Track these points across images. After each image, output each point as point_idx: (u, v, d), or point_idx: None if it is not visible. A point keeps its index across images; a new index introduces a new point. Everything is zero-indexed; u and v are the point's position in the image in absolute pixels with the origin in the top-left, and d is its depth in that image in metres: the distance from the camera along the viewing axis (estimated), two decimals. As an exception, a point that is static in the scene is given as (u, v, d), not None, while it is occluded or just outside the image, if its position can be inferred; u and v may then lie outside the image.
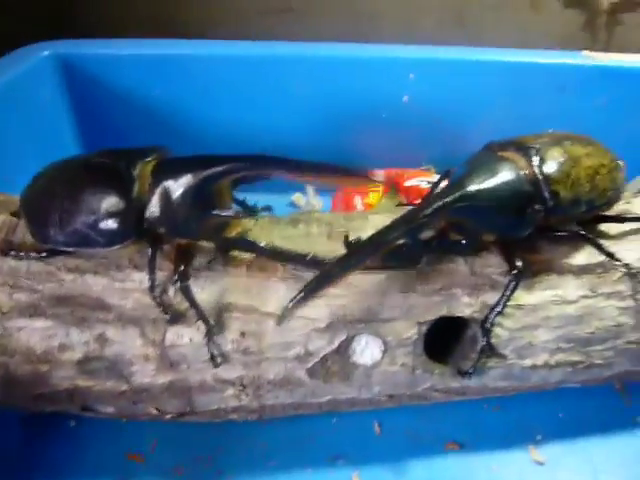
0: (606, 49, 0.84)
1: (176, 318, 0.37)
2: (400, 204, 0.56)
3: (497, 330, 0.40)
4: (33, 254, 0.38)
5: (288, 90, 0.66)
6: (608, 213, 0.42)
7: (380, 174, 0.63)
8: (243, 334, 0.38)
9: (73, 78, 0.64)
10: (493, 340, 0.40)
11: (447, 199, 0.36)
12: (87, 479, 0.43)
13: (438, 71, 0.64)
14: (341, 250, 0.37)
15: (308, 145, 0.65)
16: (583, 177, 0.39)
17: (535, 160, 0.39)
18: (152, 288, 0.37)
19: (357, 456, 0.44)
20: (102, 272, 0.38)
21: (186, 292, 0.37)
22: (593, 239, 0.40)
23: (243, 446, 0.44)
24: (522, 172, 0.38)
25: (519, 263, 0.38)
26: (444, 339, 0.42)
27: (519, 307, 0.40)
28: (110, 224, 0.36)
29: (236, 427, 0.43)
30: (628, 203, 0.44)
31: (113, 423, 0.44)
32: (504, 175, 0.38)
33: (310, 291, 0.34)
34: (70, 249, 0.38)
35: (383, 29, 0.83)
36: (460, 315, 0.39)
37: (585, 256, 0.41)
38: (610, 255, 0.40)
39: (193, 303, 0.37)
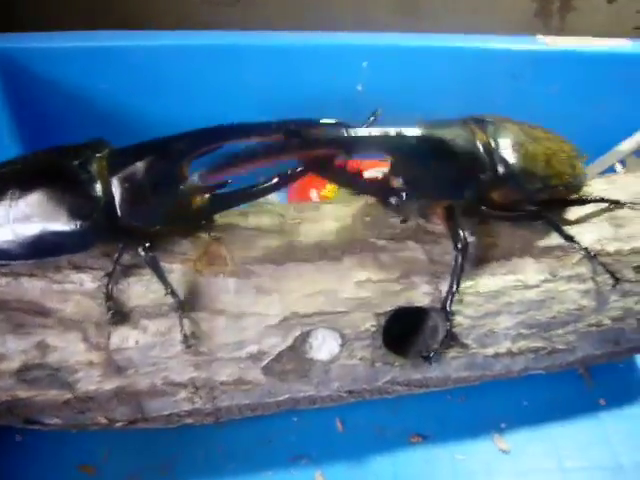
0: (559, 34, 0.84)
1: (121, 319, 0.35)
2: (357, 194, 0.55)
3: (458, 319, 0.39)
4: None
5: (238, 80, 0.64)
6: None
7: None
8: (193, 334, 0.36)
9: (10, 73, 0.61)
10: (455, 329, 0.39)
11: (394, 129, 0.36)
12: (36, 494, 0.40)
13: (391, 59, 0.62)
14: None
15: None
16: (540, 154, 0.39)
17: (491, 130, 0.39)
18: (108, 285, 0.35)
19: (320, 455, 0.43)
20: (39, 274, 0.36)
21: (153, 263, 0.35)
22: (552, 220, 0.40)
23: (201, 451, 0.43)
24: (475, 136, 0.38)
25: (462, 235, 0.37)
26: (403, 330, 0.41)
27: (479, 294, 0.39)
28: (80, 228, 0.34)
29: (192, 431, 0.42)
30: (588, 186, 0.44)
31: (62, 435, 0.42)
32: (455, 132, 0.38)
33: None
34: (28, 261, 0.35)
35: (334, 17, 0.81)
36: (419, 305, 0.38)
37: (544, 239, 0.40)
38: (569, 238, 0.39)
39: (161, 276, 0.35)
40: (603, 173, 0.55)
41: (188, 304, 0.36)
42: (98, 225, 0.34)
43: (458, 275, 0.37)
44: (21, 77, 0.61)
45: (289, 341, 0.37)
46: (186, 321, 0.36)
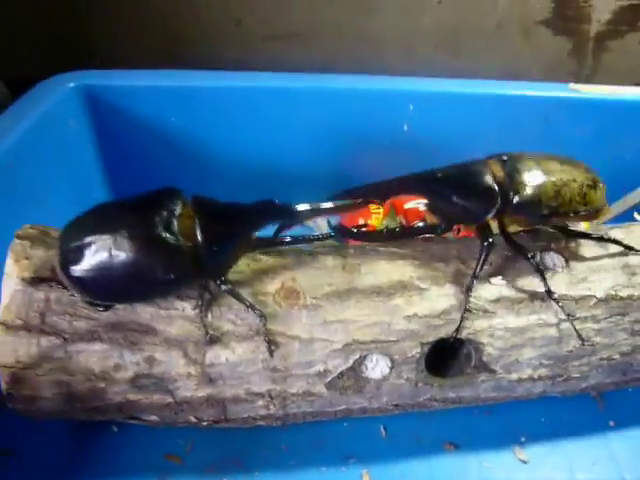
0: (593, 74, 0.90)
1: (214, 340, 0.44)
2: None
3: (489, 349, 0.46)
4: None
5: (296, 120, 0.71)
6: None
7: None
8: (272, 351, 0.44)
9: (98, 109, 0.69)
10: (485, 358, 0.46)
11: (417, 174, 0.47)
12: (132, 477, 0.49)
13: (435, 103, 0.69)
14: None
15: (315, 172, 0.72)
16: (549, 185, 0.46)
17: (506, 164, 0.47)
18: (201, 311, 0.43)
19: (366, 456, 0.50)
20: (150, 302, 0.44)
21: (232, 291, 0.43)
22: (538, 266, 0.46)
23: (268, 448, 0.50)
24: (490, 170, 0.46)
25: (490, 239, 0.46)
26: (443, 354, 0.48)
27: (507, 329, 0.46)
28: (175, 278, 0.42)
29: (261, 431, 0.49)
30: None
31: (151, 428, 0.49)
32: (475, 168, 0.47)
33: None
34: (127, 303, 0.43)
35: (383, 53, 0.88)
36: (458, 337, 0.46)
37: (565, 286, 0.48)
38: (549, 292, 0.46)
39: (239, 297, 0.43)
40: (623, 221, 0.61)
41: (269, 329, 0.44)
42: (187, 275, 0.42)
43: (482, 264, 0.45)
44: (108, 113, 0.69)
45: (349, 362, 0.45)
46: (265, 332, 0.44)
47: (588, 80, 0.87)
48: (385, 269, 0.47)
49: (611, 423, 0.54)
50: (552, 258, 0.50)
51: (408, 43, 0.87)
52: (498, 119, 0.71)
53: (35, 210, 0.58)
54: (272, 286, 0.45)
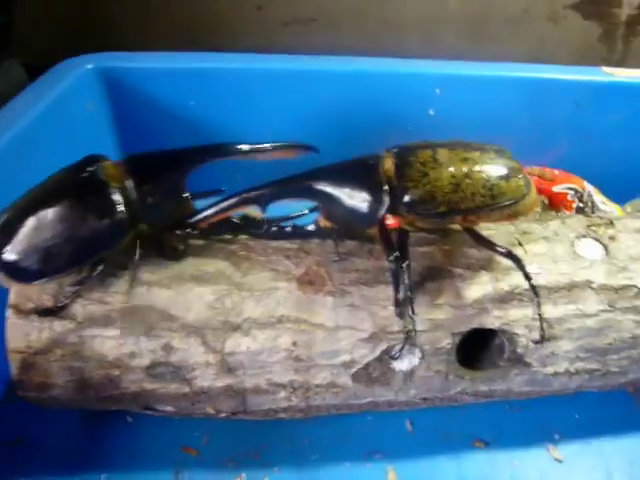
0: (623, 60, 0.87)
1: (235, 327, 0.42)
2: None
3: (524, 341, 0.44)
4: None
5: (317, 103, 0.69)
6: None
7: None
8: (295, 343, 0.42)
9: (116, 92, 0.67)
10: (520, 350, 0.44)
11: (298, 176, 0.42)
12: (146, 469, 0.47)
13: (462, 86, 0.67)
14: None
15: (337, 157, 0.69)
16: (445, 177, 0.40)
17: (398, 157, 0.42)
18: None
19: (392, 451, 0.48)
20: (167, 285, 0.42)
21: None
22: (519, 261, 0.42)
23: (288, 441, 0.48)
24: (380, 164, 0.42)
25: (395, 253, 0.40)
26: (473, 345, 0.46)
27: (544, 320, 0.44)
28: (109, 226, 0.40)
29: (282, 424, 0.47)
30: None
31: (167, 419, 0.48)
32: (360, 163, 0.43)
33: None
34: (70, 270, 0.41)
35: (405, 39, 0.86)
36: (490, 327, 0.43)
37: (604, 276, 0.45)
38: (528, 278, 0.42)
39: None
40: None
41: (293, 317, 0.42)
42: (122, 223, 0.40)
43: (396, 287, 0.40)
44: (126, 96, 0.67)
45: (376, 353, 0.43)
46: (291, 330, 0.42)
47: (619, 66, 0.84)
48: (415, 254, 0.44)
49: (650, 421, 0.51)
50: (589, 245, 0.47)
51: (431, 28, 0.84)
52: (528, 104, 0.68)
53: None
54: (296, 270, 0.43)
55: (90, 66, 0.66)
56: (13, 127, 0.55)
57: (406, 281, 0.40)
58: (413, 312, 0.41)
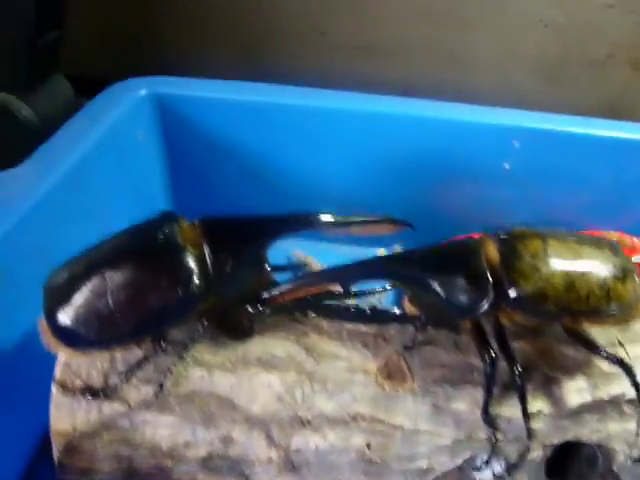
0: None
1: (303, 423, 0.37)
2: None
3: (621, 457, 0.39)
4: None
5: (378, 146, 0.65)
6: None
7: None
8: (369, 445, 0.37)
9: (169, 120, 0.63)
10: (616, 468, 0.39)
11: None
12: None
13: (544, 140, 0.62)
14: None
15: (396, 205, 0.64)
16: (558, 275, 0.36)
17: (505, 245, 0.37)
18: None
19: None
20: (230, 369, 0.38)
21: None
22: (629, 368, 0.37)
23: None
24: (484, 251, 0.37)
25: (493, 353, 0.36)
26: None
27: (643, 436, 0.39)
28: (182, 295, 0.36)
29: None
30: None
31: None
32: (461, 248, 0.38)
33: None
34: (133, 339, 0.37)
35: (473, 76, 0.81)
36: (587, 441, 0.39)
37: None
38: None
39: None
40: None
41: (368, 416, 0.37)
42: (196, 294, 0.36)
43: (489, 392, 0.36)
44: (177, 124, 0.63)
45: (458, 461, 0.38)
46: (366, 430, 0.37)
47: None
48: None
49: None
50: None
51: (502, 67, 0.79)
52: (608, 163, 0.63)
53: (96, 228, 0.52)
54: (374, 363, 0.39)
55: (144, 92, 0.62)
56: (65, 160, 0.51)
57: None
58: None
